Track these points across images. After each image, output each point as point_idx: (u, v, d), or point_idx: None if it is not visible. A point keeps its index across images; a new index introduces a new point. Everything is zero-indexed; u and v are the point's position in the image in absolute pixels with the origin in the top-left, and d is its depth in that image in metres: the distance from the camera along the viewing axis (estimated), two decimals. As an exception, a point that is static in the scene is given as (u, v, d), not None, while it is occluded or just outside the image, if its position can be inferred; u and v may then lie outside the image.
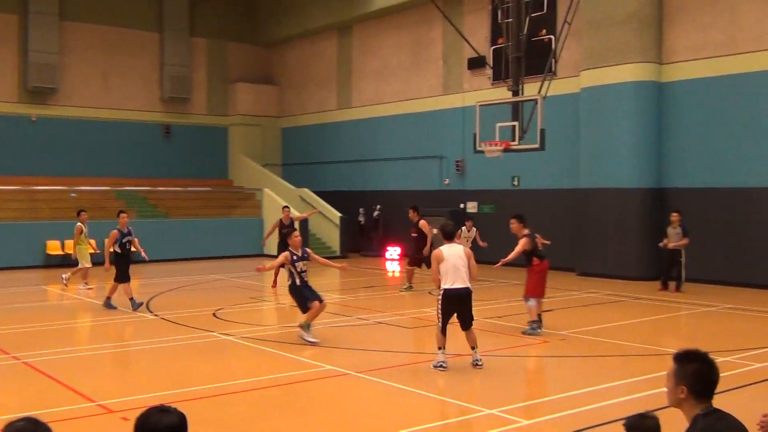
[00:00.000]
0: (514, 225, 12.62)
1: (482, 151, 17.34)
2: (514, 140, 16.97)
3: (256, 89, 32.88)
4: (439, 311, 9.72)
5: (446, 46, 25.70)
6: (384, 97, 28.14)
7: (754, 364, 9.92)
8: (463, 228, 19.14)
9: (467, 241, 18.89)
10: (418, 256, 17.80)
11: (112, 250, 15.01)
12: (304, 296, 11.60)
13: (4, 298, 16.85)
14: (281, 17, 31.43)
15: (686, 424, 3.62)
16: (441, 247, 9.79)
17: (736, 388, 8.54)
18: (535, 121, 16.52)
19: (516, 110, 17.18)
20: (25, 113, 27.78)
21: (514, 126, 17.06)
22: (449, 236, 9.86)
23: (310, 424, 7.61)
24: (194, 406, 7.82)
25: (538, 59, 19.32)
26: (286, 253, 11.77)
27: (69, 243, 23.82)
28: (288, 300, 12.70)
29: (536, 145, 16.62)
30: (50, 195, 26.35)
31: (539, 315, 12.75)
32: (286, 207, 19.97)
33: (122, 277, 14.80)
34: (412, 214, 18.23)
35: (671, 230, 17.32)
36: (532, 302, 12.31)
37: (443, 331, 9.69)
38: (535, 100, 16.57)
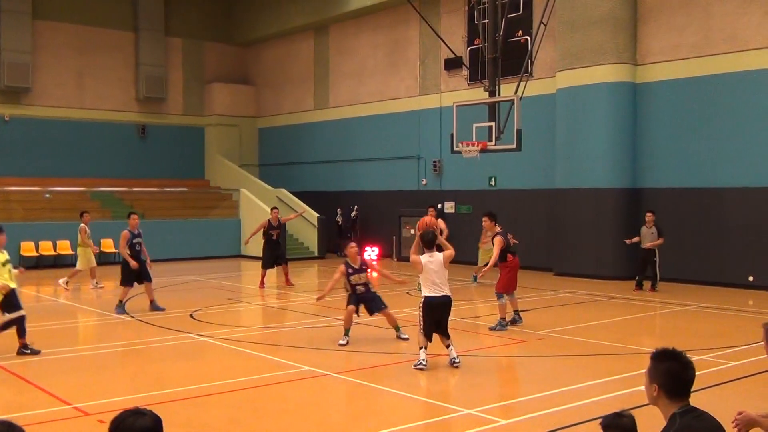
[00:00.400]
0: (486, 222, 13.00)
1: (459, 152, 17.36)
2: (491, 141, 17.01)
3: (232, 89, 32.75)
4: (421, 317, 9.79)
5: (423, 46, 25.75)
6: (361, 97, 28.13)
7: (730, 363, 10.02)
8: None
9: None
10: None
11: (128, 252, 14.78)
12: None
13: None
14: (257, 17, 31.33)
15: (663, 423, 3.64)
16: (421, 256, 9.81)
17: (712, 386, 8.63)
18: (511, 121, 16.58)
19: (493, 111, 17.23)
20: (-3, 113, 27.48)
21: (490, 126, 17.11)
22: (429, 245, 9.88)
23: (288, 425, 7.59)
24: (170, 409, 7.78)
25: (514, 60, 19.44)
26: (342, 267, 11.28)
27: (44, 244, 23.68)
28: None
29: (513, 146, 16.68)
30: (24, 196, 26.08)
31: (517, 311, 12.91)
32: (275, 208, 20.01)
33: (127, 280, 14.68)
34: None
35: (646, 230, 17.47)
36: (504, 299, 12.58)
37: (426, 334, 9.73)
38: (512, 101, 16.63)
